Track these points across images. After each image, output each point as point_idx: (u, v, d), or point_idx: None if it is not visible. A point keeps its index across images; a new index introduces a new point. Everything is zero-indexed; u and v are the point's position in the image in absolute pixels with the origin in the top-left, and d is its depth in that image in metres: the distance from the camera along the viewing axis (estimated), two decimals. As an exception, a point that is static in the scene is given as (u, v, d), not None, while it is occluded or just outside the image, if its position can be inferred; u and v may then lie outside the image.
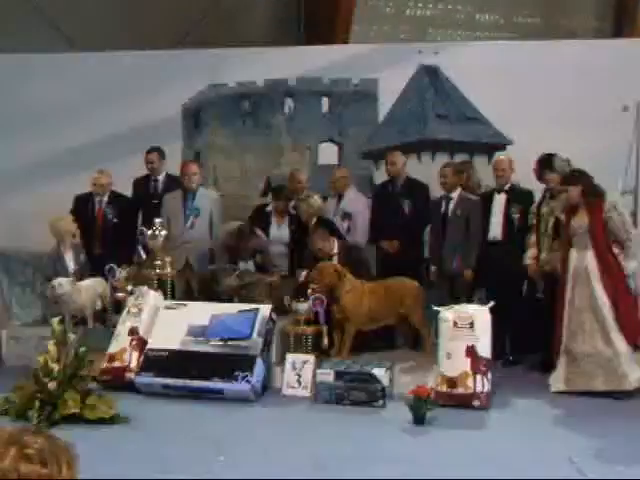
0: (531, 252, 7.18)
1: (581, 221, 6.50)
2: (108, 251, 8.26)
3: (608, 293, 6.39)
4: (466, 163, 8.44)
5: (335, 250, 7.47)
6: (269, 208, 8.32)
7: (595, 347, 6.42)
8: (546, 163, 7.23)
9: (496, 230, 7.49)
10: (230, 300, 7.43)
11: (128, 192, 8.74)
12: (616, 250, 6.47)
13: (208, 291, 7.70)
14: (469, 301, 6.91)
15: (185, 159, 8.79)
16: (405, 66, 9.05)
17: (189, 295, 7.86)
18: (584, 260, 6.48)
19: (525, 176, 7.68)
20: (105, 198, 8.49)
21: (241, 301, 7.32)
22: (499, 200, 7.53)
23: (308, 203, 7.93)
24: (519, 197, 7.51)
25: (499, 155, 8.11)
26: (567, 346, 6.54)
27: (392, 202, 8.00)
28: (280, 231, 8.15)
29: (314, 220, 7.93)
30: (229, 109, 9.44)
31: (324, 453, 5.14)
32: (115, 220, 8.43)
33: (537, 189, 7.54)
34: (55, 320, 6.02)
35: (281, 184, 8.57)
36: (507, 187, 7.57)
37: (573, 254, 6.55)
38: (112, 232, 8.39)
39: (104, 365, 6.64)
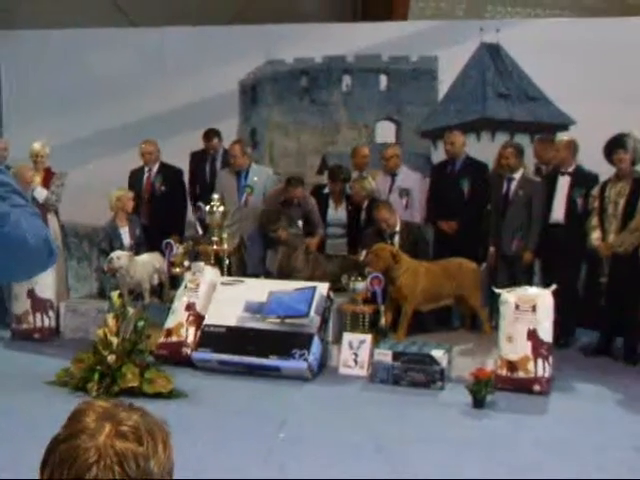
0: (596, 234, 7.00)
1: None
2: (154, 221, 8.32)
3: None
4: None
5: (397, 228, 7.39)
6: (326, 190, 8.22)
7: None
8: (619, 142, 7.01)
9: (558, 213, 7.33)
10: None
11: (184, 166, 8.74)
12: None
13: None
14: (529, 284, 6.78)
15: (234, 140, 8.71)
16: (466, 43, 8.88)
17: (244, 272, 7.84)
18: None
19: (588, 157, 7.50)
20: (155, 169, 8.53)
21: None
22: (563, 183, 7.36)
23: (361, 185, 7.84)
24: (583, 179, 7.33)
25: (560, 136, 7.92)
26: None
27: (451, 182, 7.86)
28: (338, 213, 8.07)
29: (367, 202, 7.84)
30: (286, 86, 9.36)
31: (383, 434, 5.10)
32: (163, 189, 8.46)
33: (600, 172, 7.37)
34: (115, 294, 6.05)
35: (338, 164, 8.44)
36: (571, 169, 7.38)
37: None
38: (159, 202, 8.43)
39: (161, 340, 6.66)
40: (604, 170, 7.24)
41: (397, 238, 7.40)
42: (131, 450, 1.39)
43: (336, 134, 9.32)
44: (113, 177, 8.43)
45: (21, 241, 1.66)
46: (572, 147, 7.39)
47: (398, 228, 7.42)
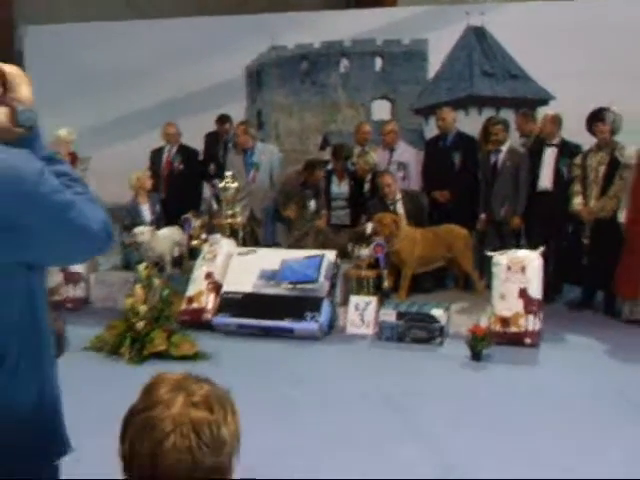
0: (578, 199, 7.01)
1: None
2: (172, 197, 8.33)
3: None
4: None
5: (398, 196, 7.41)
6: (330, 167, 8.17)
7: None
8: (599, 115, 6.98)
9: (545, 181, 7.31)
10: None
11: (198, 145, 8.73)
12: None
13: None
14: (518, 247, 6.79)
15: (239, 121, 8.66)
16: (453, 27, 8.84)
17: (255, 242, 7.85)
18: None
19: (568, 130, 7.46)
20: (174, 149, 8.55)
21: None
22: (549, 153, 7.32)
23: (365, 160, 7.81)
24: (569, 151, 7.30)
25: (546, 110, 7.87)
26: None
27: (443, 155, 7.82)
28: (340, 188, 8.01)
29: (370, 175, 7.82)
30: (288, 70, 9.32)
31: (391, 386, 5.12)
32: (181, 167, 8.47)
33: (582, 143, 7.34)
34: (141, 266, 6.04)
35: (340, 143, 8.39)
36: (556, 141, 7.36)
37: None
38: (177, 180, 8.45)
39: (183, 307, 6.64)
40: (583, 141, 7.22)
41: (399, 205, 7.41)
42: (204, 418, 1.38)
43: (336, 113, 9.29)
44: (133, 158, 8.44)
45: (85, 227, 1.65)
46: (557, 121, 7.37)
47: (399, 196, 7.43)
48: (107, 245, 1.74)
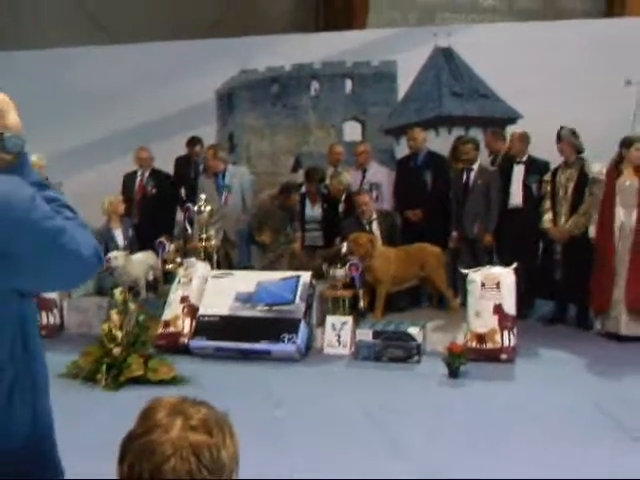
0: (548, 216, 7.12)
1: (630, 181, 6.50)
2: (146, 221, 8.31)
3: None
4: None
5: (374, 215, 7.48)
6: (303, 190, 8.18)
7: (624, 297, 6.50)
8: (558, 135, 7.12)
9: (516, 198, 7.42)
10: None
11: (170, 169, 8.74)
12: None
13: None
14: (491, 264, 6.84)
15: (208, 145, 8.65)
16: (421, 48, 8.95)
17: (229, 265, 7.82)
18: (631, 217, 6.50)
19: (537, 148, 7.58)
20: (147, 173, 8.55)
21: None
22: (518, 171, 7.44)
23: (338, 180, 7.87)
24: (537, 167, 7.42)
25: (514, 129, 8.00)
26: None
27: (414, 174, 7.90)
28: (314, 211, 8.05)
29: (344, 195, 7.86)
30: (260, 92, 9.35)
31: (370, 405, 5.10)
32: (154, 191, 8.47)
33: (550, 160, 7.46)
34: (117, 291, 5.97)
35: (313, 166, 8.40)
36: (525, 159, 7.48)
37: (619, 211, 6.53)
38: (150, 204, 8.45)
39: (160, 331, 6.58)
40: (553, 158, 7.33)
41: (374, 225, 7.47)
42: (204, 441, 1.37)
43: (307, 135, 9.33)
44: (106, 183, 8.38)
45: (76, 252, 1.64)
46: (525, 139, 7.50)
47: (375, 216, 7.49)
48: (97, 270, 1.74)
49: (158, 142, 8.75)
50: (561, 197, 7.03)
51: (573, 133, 7.03)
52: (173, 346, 6.49)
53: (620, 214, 6.54)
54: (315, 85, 9.24)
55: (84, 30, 10.52)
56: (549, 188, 7.13)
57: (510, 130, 8.20)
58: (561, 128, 7.09)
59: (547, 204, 7.13)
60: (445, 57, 8.90)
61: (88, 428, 4.47)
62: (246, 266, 7.89)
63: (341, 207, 7.89)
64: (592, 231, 6.85)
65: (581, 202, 6.92)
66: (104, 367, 5.61)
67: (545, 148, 7.33)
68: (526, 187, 7.36)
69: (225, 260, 7.92)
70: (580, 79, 8.30)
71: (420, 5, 12.73)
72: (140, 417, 1.44)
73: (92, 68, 9.30)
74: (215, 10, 11.28)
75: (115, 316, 5.78)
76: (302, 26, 11.34)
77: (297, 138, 9.31)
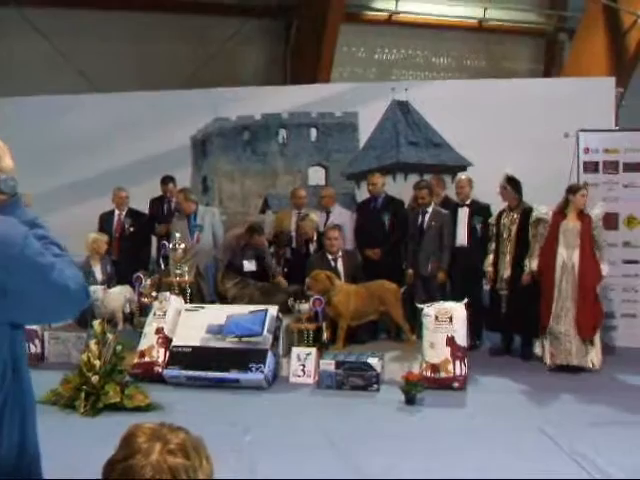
0: (490, 259, 7.28)
1: (574, 224, 6.68)
2: (123, 257, 8.32)
3: (583, 287, 6.58)
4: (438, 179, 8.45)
5: (340, 253, 7.56)
6: (271, 250, 8.27)
7: (573, 329, 6.61)
8: (502, 182, 7.28)
9: (462, 238, 7.56)
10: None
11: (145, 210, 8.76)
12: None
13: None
14: (444, 299, 6.91)
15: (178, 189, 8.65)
16: (380, 101, 9.13)
17: (202, 298, 7.81)
18: (572, 257, 6.64)
19: (483, 192, 7.75)
20: (124, 212, 8.58)
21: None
22: (463, 213, 7.61)
23: (311, 220, 7.98)
24: (479, 210, 7.60)
25: (460, 175, 8.17)
26: (552, 327, 6.67)
27: (374, 217, 8.01)
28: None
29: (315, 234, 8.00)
30: (231, 139, 9.43)
31: (332, 431, 5.11)
32: (131, 229, 8.50)
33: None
34: (96, 323, 5.94)
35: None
36: (468, 202, 7.65)
37: (562, 251, 6.67)
38: (128, 241, 8.47)
39: (135, 360, 6.54)
40: (498, 202, 7.50)
41: (340, 262, 7.54)
42: (181, 464, 1.40)
43: (275, 179, 9.41)
44: (84, 222, 8.32)
45: (66, 287, 1.66)
46: (471, 184, 7.70)
47: (340, 254, 7.56)
48: (85, 304, 1.76)
49: (136, 184, 8.75)
50: (505, 238, 7.18)
51: (513, 180, 7.20)
52: (148, 375, 6.45)
53: (563, 253, 6.68)
54: (283, 133, 9.36)
55: (70, 81, 10.56)
56: (494, 230, 7.27)
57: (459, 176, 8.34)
58: (504, 176, 7.25)
59: (492, 246, 7.29)
60: (402, 109, 9.09)
61: (67, 453, 4.40)
62: (214, 300, 7.85)
63: (312, 247, 7.94)
64: (534, 265, 6.95)
65: (525, 242, 7.05)
66: (83, 394, 5.56)
67: (492, 193, 7.49)
68: (471, 228, 7.51)
69: (198, 294, 7.89)
70: (524, 131, 8.51)
71: (379, 62, 13.03)
72: (121, 443, 1.46)
73: (77, 115, 9.29)
74: (191, 64, 11.41)
75: (94, 346, 5.74)
76: (272, 79, 11.51)
77: (265, 181, 9.40)
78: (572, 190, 6.79)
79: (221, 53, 11.77)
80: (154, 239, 8.74)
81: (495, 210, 7.47)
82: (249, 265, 7.84)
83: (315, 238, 7.93)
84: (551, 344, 6.68)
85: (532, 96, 8.75)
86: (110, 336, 5.85)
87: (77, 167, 9.14)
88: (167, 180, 8.73)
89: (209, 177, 9.51)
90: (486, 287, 7.51)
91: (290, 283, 7.81)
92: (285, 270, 8.19)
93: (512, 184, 7.18)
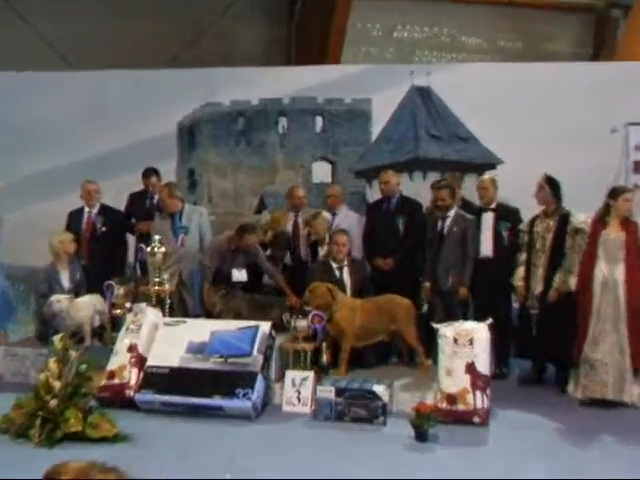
0: (520, 272, 7.19)
1: (616, 235, 6.54)
2: (94, 262, 8.27)
3: (631, 308, 6.44)
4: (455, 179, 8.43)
5: (346, 261, 7.54)
6: (268, 253, 8.27)
7: (612, 356, 6.45)
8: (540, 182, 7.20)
9: (486, 247, 7.49)
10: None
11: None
12: None
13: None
14: (465, 318, 6.85)
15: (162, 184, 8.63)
16: (397, 86, 9.07)
17: (184, 312, 7.75)
18: (615, 272, 6.50)
19: (514, 194, 7.67)
20: (95, 210, 8.53)
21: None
22: (487, 218, 7.55)
23: (323, 218, 7.98)
24: (507, 214, 7.53)
25: (482, 176, 8.11)
26: (586, 354, 6.52)
27: (386, 220, 7.96)
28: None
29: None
30: (223, 128, 9.40)
31: (329, 472, 5.02)
32: (103, 229, 8.45)
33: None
34: (56, 337, 5.88)
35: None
36: (493, 205, 7.59)
37: (602, 265, 6.54)
38: (100, 243, 8.42)
39: (103, 382, 6.48)
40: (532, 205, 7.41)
41: (346, 272, 7.51)
42: None
43: (273, 174, 9.37)
44: (52, 218, 8.30)
45: None
46: (495, 185, 7.62)
47: (346, 262, 7.53)
48: (12, 318, 1.70)
49: (112, 177, 8.71)
50: (538, 248, 7.08)
51: (553, 181, 7.11)
52: (118, 399, 6.39)
53: (603, 268, 6.54)
54: (283, 122, 9.33)
55: (41, 56, 10.55)
56: (526, 239, 7.18)
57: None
58: (542, 176, 7.16)
59: (522, 257, 7.19)
60: (422, 96, 9.03)
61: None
62: (199, 314, 7.81)
63: (323, 250, 7.94)
64: (572, 284, 6.86)
65: (560, 255, 6.96)
66: (38, 421, 5.49)
67: (521, 195, 7.41)
68: (497, 236, 7.44)
69: (180, 306, 7.84)
70: (564, 125, 8.46)
71: (398, 41, 12.96)
72: None
73: (44, 94, 9.26)
74: (179, 43, 11.38)
75: (53, 365, 5.68)
76: (272, 61, 11.47)
77: (262, 177, 9.36)
78: (613, 194, 6.65)
79: (213, 30, 11.74)
80: (132, 241, 8.69)
81: (525, 215, 7.38)
82: (238, 274, 7.83)
83: (327, 240, 7.88)
84: (585, 374, 6.55)
85: (576, 83, 8.71)
86: (73, 353, 5.79)
87: (42, 155, 9.11)
88: (150, 173, 8.69)
89: (197, 171, 9.49)
90: (515, 305, 7.44)
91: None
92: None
93: (551, 185, 7.09)
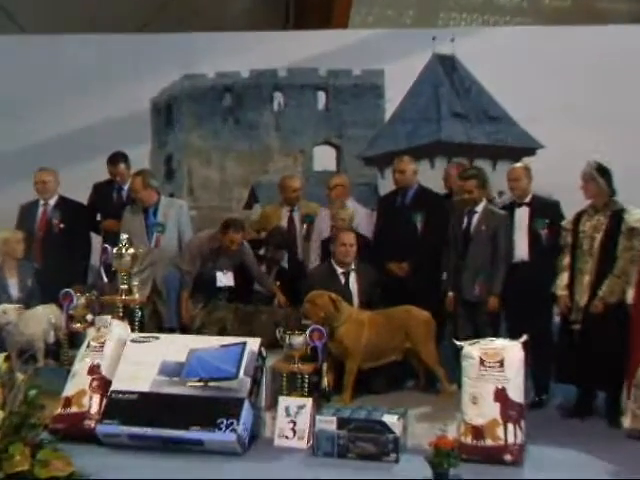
0: (563, 279, 7.17)
1: None
2: (50, 265, 8.31)
3: None
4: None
5: (353, 266, 7.61)
6: (261, 252, 8.34)
7: None
8: (583, 172, 7.19)
9: (521, 249, 7.51)
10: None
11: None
12: None
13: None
14: (495, 335, 6.85)
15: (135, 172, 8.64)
16: (416, 55, 9.09)
17: (159, 326, 7.81)
18: None
19: (556, 185, 7.66)
20: (51, 202, 8.59)
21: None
22: (521, 214, 7.56)
23: (346, 211, 8.04)
24: (545, 209, 7.53)
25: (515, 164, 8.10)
26: (638, 379, 6.53)
27: (401, 217, 7.98)
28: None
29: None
30: (207, 105, 9.46)
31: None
32: (61, 226, 8.52)
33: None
34: (0, 357, 5.87)
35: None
36: (528, 199, 7.60)
37: None
38: (57, 243, 8.47)
39: (58, 411, 6.49)
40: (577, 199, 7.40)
41: (353, 277, 7.56)
42: None
43: (267, 161, 9.44)
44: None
45: None
46: (530, 175, 7.62)
47: (354, 266, 7.59)
48: None
49: (71, 165, 8.74)
50: (585, 250, 7.05)
51: (603, 169, 7.09)
52: (75, 431, 6.36)
53: None
54: (279, 98, 9.38)
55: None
56: (569, 239, 7.16)
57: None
58: (590, 163, 7.15)
59: (565, 261, 7.18)
60: (446, 67, 9.07)
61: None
62: (174, 327, 7.84)
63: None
64: (629, 297, 6.86)
65: (611, 259, 6.94)
66: (-24, 459, 5.49)
67: (563, 187, 7.46)
68: (533, 235, 7.44)
69: (153, 319, 7.91)
70: (620, 102, 8.45)
71: (419, 1, 12.96)
72: None
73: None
74: (153, 3, 11.41)
75: (-5, 390, 5.68)
76: (265, 23, 11.48)
77: (254, 165, 9.43)
78: None
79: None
80: (97, 241, 8.74)
81: (568, 211, 7.37)
82: (224, 278, 7.85)
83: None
84: (635, 401, 6.54)
85: (633, 50, 8.69)
86: (20, 376, 5.79)
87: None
88: (117, 159, 8.72)
89: (175, 157, 9.55)
90: (556, 319, 7.44)
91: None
92: (278, 284, 8.22)
93: (602, 174, 7.07)
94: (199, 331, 7.55)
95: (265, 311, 7.79)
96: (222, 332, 7.35)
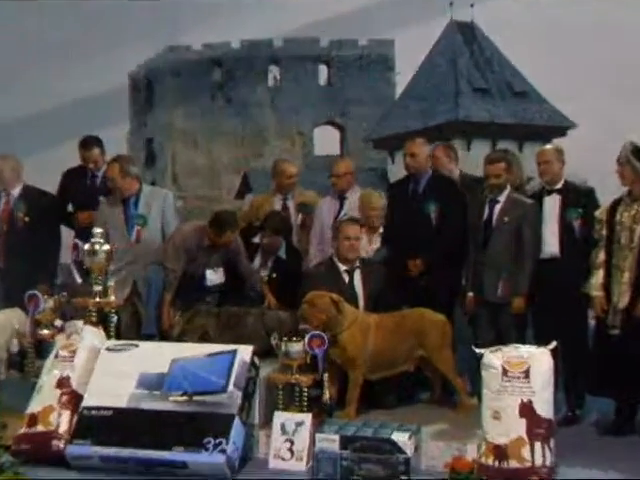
0: (598, 278, 7.17)
1: None
2: (14, 264, 8.41)
3: None
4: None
5: (358, 262, 7.67)
6: (256, 240, 8.38)
7: None
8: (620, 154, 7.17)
9: (551, 243, 7.53)
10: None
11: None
12: None
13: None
14: (520, 341, 6.82)
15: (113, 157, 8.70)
16: (431, 22, 9.18)
17: (137, 332, 7.85)
18: None
19: (590, 170, 7.65)
20: (15, 193, 8.66)
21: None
22: (551, 203, 7.58)
23: (381, 199, 8.21)
24: (578, 198, 7.55)
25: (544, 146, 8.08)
26: None
27: (414, 206, 8.02)
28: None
29: None
30: (193, 80, 9.47)
31: None
32: (26, 220, 8.56)
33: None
34: (-44, 369, 5.91)
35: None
36: (559, 186, 7.61)
37: None
38: (21, 239, 8.51)
39: (22, 430, 6.48)
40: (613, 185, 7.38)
41: (357, 276, 7.60)
42: None
43: (262, 144, 9.55)
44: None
45: None
46: (561, 157, 7.67)
47: (358, 263, 7.64)
48: None
49: (37, 148, 8.76)
50: (624, 245, 7.04)
51: None
52: (41, 453, 6.39)
53: None
54: (274, 72, 9.42)
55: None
56: (604, 231, 7.15)
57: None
58: (626, 146, 7.13)
59: (601, 256, 7.18)
60: (465, 36, 9.14)
61: None
62: (150, 335, 7.83)
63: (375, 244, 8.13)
64: None
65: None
66: None
67: (605, 173, 7.37)
68: (565, 227, 7.45)
69: (132, 325, 7.95)
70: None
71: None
72: None
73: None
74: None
75: (-48, 407, 5.70)
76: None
77: (246, 149, 9.56)
78: None
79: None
80: (68, 235, 8.74)
81: (604, 199, 7.34)
82: (214, 276, 7.88)
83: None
84: None
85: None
86: (-21, 391, 5.82)
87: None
88: (90, 142, 8.79)
89: (157, 139, 9.72)
90: (591, 323, 7.45)
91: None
92: (274, 276, 8.28)
93: (634, 156, 7.05)
94: (179, 339, 7.55)
95: (252, 313, 7.79)
96: (204, 339, 7.34)
